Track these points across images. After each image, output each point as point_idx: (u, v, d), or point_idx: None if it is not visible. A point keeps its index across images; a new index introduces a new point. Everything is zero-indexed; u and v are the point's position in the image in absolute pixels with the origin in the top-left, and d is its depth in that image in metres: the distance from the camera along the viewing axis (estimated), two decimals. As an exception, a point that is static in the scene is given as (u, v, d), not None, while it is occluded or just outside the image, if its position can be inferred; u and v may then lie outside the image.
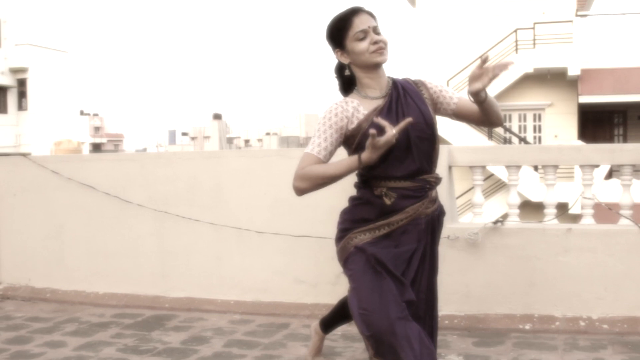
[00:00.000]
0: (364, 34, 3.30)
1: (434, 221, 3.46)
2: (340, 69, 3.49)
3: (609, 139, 27.27)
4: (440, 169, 5.33)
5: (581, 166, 5.48)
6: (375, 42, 3.31)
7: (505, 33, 24.88)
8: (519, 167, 5.57)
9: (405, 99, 3.40)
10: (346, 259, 3.37)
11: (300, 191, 3.38)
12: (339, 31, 3.38)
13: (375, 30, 3.35)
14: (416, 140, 3.30)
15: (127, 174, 6.34)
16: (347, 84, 3.48)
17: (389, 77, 3.46)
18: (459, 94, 3.52)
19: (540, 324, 5.15)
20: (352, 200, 3.48)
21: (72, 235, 6.53)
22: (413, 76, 3.62)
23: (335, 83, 3.59)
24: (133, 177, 6.31)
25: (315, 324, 4.30)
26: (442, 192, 5.30)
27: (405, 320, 3.16)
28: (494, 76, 3.15)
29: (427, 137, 3.36)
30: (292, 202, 5.55)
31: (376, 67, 3.36)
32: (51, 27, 40.86)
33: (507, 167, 5.60)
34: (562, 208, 6.09)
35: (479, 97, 3.23)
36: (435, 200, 3.46)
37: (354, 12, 3.35)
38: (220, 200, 5.98)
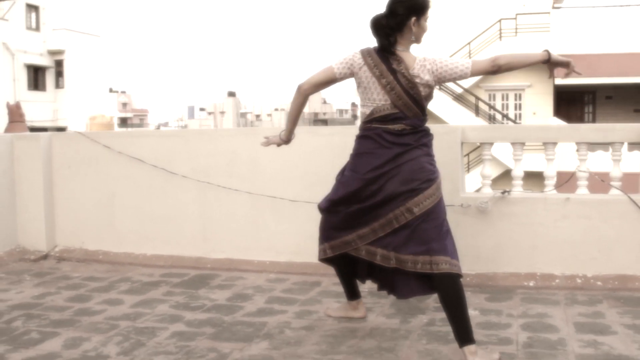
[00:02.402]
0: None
1: None
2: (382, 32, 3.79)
3: (580, 115, 27.40)
4: (453, 145, 5.36)
5: (577, 143, 5.45)
6: None
7: (490, 22, 24.88)
8: (523, 143, 5.54)
9: None
10: None
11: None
12: (423, 8, 3.76)
13: None
14: None
15: (173, 148, 6.29)
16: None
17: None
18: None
19: (542, 281, 5.16)
20: None
21: (121, 202, 6.49)
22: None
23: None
24: (178, 151, 6.26)
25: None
26: (453, 165, 5.33)
27: None
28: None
29: None
30: (321, 173, 5.54)
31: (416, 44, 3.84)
32: (85, 13, 40.64)
33: (513, 143, 5.57)
34: (537, 177, 6.10)
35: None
36: None
37: None
38: (256, 172, 5.94)
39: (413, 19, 3.74)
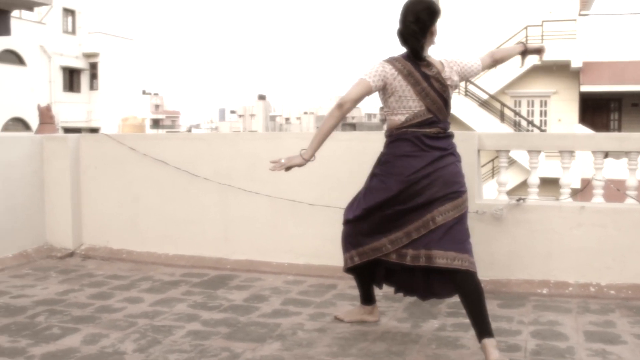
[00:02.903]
0: None
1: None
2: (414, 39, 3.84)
3: (606, 123, 27.05)
4: (470, 152, 5.34)
5: (593, 152, 5.41)
6: None
7: (517, 29, 24.70)
8: (539, 152, 5.51)
9: None
10: None
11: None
12: (439, 12, 3.89)
13: None
14: None
15: (196, 151, 6.34)
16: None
17: None
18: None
19: (556, 288, 5.12)
20: None
21: (145, 203, 6.56)
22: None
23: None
24: (201, 154, 6.30)
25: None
26: (470, 172, 5.31)
27: None
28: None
29: None
30: (339, 178, 5.57)
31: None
32: (120, 17, 41.04)
33: (529, 152, 5.54)
34: (554, 183, 6.06)
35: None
36: None
37: None
38: (276, 175, 5.88)
39: (435, 23, 3.86)
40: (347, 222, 4.10)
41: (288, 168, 4.03)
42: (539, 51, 4.39)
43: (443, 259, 3.72)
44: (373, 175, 4.00)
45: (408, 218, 3.82)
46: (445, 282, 3.89)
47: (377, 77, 3.80)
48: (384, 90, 3.85)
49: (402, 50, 3.93)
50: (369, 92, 3.85)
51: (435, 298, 4.22)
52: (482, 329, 3.64)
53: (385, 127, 4.06)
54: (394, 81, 3.80)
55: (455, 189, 3.80)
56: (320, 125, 3.98)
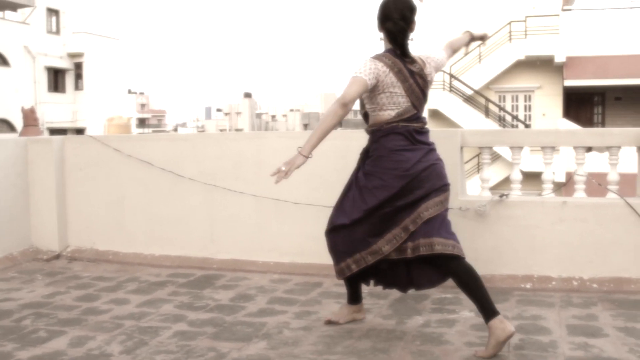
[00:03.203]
0: None
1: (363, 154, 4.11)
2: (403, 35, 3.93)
3: (590, 117, 27.18)
4: (453, 150, 5.37)
5: (575, 147, 5.45)
6: None
7: (500, 24, 24.79)
8: (521, 147, 5.55)
9: None
10: None
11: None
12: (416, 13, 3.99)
13: None
14: None
15: (180, 152, 6.33)
16: None
17: None
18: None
19: (539, 283, 5.17)
20: None
21: (131, 204, 6.55)
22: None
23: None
24: (185, 154, 6.30)
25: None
26: (453, 169, 5.34)
27: None
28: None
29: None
30: (324, 177, 5.59)
31: None
32: (104, 17, 40.86)
33: (511, 147, 5.58)
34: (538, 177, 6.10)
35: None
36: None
37: None
38: (261, 175, 5.95)
39: (414, 19, 3.94)
40: (341, 228, 4.00)
41: (287, 175, 3.83)
42: (482, 38, 4.72)
43: (441, 245, 3.80)
44: (367, 174, 3.94)
45: (405, 212, 3.84)
46: (426, 273, 3.96)
47: (372, 75, 3.78)
48: (375, 87, 3.83)
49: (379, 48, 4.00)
50: (365, 90, 3.82)
51: (415, 289, 4.19)
52: (489, 309, 3.70)
53: (370, 121, 4.02)
54: (386, 78, 3.81)
55: (445, 182, 3.94)
56: (320, 123, 3.82)
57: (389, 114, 3.88)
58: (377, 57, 3.87)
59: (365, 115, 4.10)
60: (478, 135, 5.55)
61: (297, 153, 3.79)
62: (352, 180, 4.07)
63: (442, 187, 3.90)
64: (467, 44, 4.63)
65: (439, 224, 3.85)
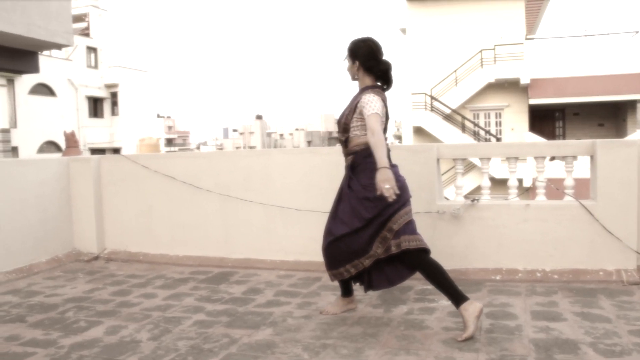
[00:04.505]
0: None
1: (346, 171, 4.03)
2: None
3: (552, 130, 27.20)
4: (430, 161, 5.37)
5: (535, 157, 5.44)
6: None
7: (473, 52, 24.84)
8: (489, 158, 5.55)
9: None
10: None
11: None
12: None
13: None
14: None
15: (199, 168, 6.33)
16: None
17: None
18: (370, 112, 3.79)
19: (507, 275, 5.15)
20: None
21: (157, 212, 6.56)
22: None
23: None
24: (203, 169, 6.30)
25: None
26: (431, 178, 5.34)
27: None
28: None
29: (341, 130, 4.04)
30: (321, 186, 5.60)
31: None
32: (134, 53, 40.93)
33: (481, 159, 5.57)
34: (519, 184, 6.09)
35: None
36: (347, 162, 4.03)
37: None
38: (268, 186, 5.98)
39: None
40: (342, 237, 3.92)
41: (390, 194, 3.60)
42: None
43: (414, 242, 3.83)
44: (365, 186, 3.83)
45: (391, 217, 3.83)
46: (397, 269, 3.97)
47: (381, 110, 3.80)
48: None
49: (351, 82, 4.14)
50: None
51: (386, 287, 4.11)
52: (457, 296, 3.72)
53: (352, 143, 3.96)
54: (382, 109, 3.85)
55: (410, 194, 3.99)
56: (379, 146, 3.64)
57: None
58: (377, 93, 3.88)
59: (344, 140, 4.03)
60: (451, 149, 5.54)
61: (383, 168, 3.57)
62: (344, 193, 3.98)
63: (409, 198, 3.94)
64: None
65: (413, 224, 3.91)
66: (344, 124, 3.98)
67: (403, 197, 3.85)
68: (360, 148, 3.92)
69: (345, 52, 4.07)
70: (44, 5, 7.63)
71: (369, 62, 3.96)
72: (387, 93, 4.03)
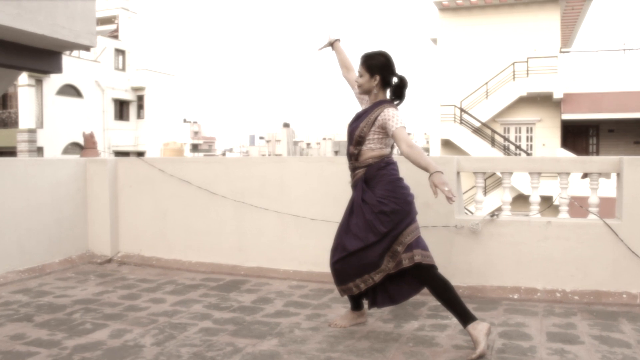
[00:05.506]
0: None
1: (357, 185, 3.97)
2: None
3: (585, 147, 26.79)
4: (450, 174, 5.32)
5: (559, 174, 5.36)
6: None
7: (505, 65, 24.62)
8: (511, 173, 5.48)
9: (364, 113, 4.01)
10: None
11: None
12: None
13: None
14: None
15: (215, 173, 6.36)
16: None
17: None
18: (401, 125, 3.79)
19: (526, 294, 5.07)
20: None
21: (172, 217, 6.60)
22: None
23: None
24: (219, 175, 6.33)
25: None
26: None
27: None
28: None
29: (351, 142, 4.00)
30: (337, 196, 5.57)
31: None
32: (162, 56, 41.37)
33: (502, 173, 5.51)
34: (548, 200, 5.99)
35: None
36: (357, 175, 3.99)
37: None
38: (283, 194, 5.98)
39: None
40: (355, 252, 3.87)
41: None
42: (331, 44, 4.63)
43: (427, 257, 3.82)
44: (381, 200, 3.81)
45: (403, 231, 3.81)
46: (400, 288, 3.97)
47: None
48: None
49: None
50: None
51: (389, 305, 4.10)
52: (464, 315, 3.70)
53: (365, 156, 3.95)
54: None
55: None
56: (422, 156, 3.67)
57: (388, 150, 3.97)
58: (396, 108, 3.93)
59: (353, 154, 4.01)
60: (471, 161, 5.49)
61: (435, 173, 3.53)
62: (357, 207, 3.93)
63: (416, 215, 3.96)
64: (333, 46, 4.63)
65: (421, 237, 3.90)
66: (359, 137, 3.93)
67: (412, 212, 3.87)
68: (375, 161, 3.91)
69: (359, 65, 4.03)
70: (69, 6, 7.77)
71: (390, 76, 3.95)
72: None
